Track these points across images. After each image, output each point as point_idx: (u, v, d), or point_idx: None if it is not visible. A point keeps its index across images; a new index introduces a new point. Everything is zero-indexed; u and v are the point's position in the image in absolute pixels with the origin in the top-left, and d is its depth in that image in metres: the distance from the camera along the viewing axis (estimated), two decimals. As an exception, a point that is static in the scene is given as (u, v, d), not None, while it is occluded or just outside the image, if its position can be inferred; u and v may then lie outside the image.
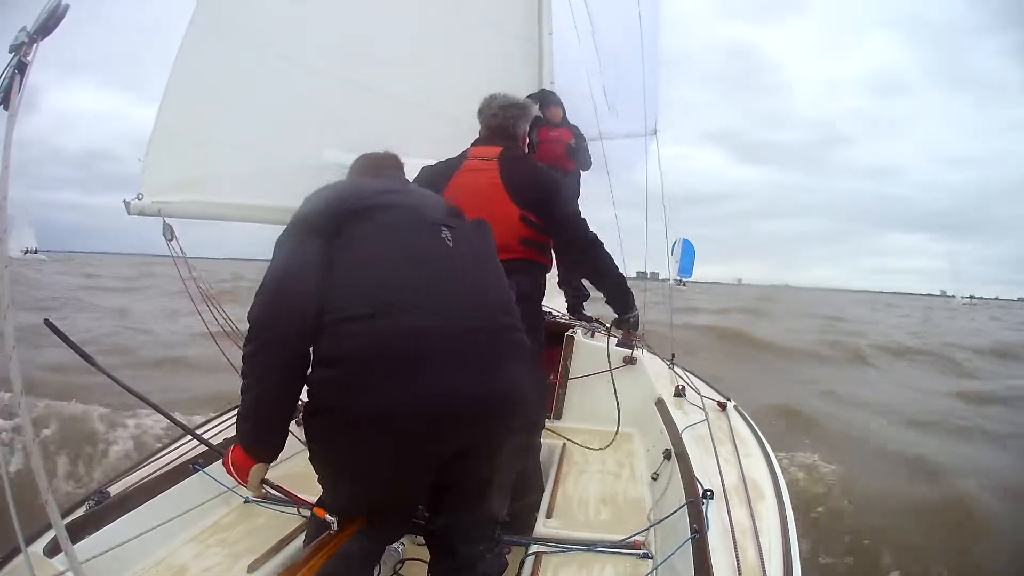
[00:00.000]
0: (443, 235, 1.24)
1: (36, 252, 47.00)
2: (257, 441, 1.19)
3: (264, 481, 1.25)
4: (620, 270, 2.10)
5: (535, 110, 2.09)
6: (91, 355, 1.56)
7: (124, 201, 2.34)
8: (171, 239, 2.39)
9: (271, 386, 1.13)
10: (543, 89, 3.48)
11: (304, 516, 1.76)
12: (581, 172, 3.78)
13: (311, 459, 1.22)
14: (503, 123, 1.95)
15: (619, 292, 2.06)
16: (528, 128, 2.04)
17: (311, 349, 1.13)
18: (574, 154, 3.60)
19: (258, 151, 2.59)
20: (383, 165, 1.49)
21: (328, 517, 1.19)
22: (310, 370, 1.13)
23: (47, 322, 1.53)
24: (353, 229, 1.18)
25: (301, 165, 2.53)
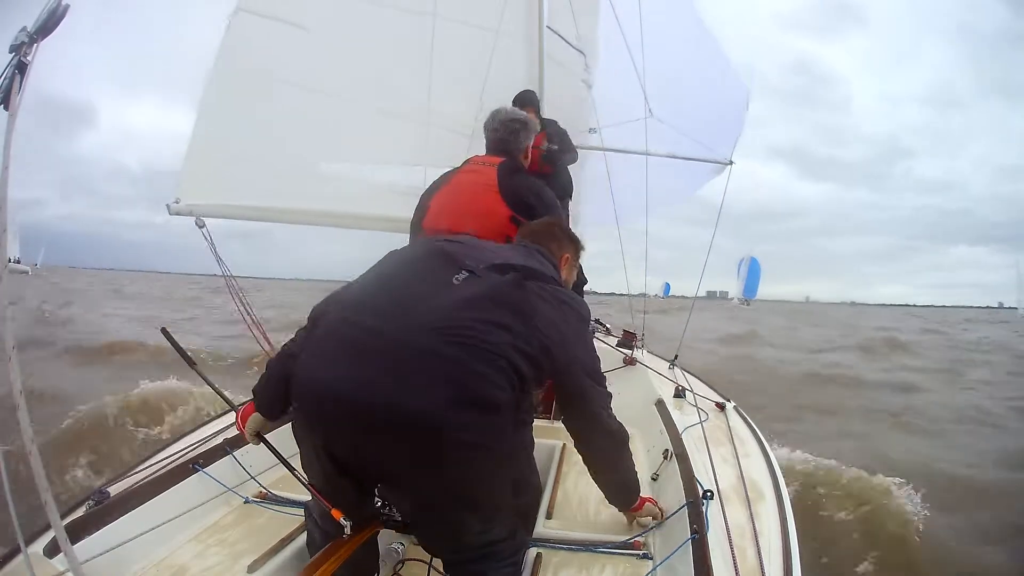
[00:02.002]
0: (457, 276, 1.24)
1: (19, 262, 41.53)
2: (258, 391, 1.35)
3: (259, 435, 1.40)
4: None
5: (537, 126, 2.13)
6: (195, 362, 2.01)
7: (166, 204, 2.81)
8: (202, 227, 2.79)
9: (280, 354, 1.32)
10: (525, 90, 3.47)
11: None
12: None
13: None
14: (504, 137, 2.01)
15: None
16: (528, 141, 2.07)
17: None
18: (550, 158, 3.53)
19: (272, 163, 3.03)
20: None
21: (342, 520, 1.21)
22: None
23: (164, 331, 2.00)
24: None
25: (305, 174, 3.07)
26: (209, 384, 2.03)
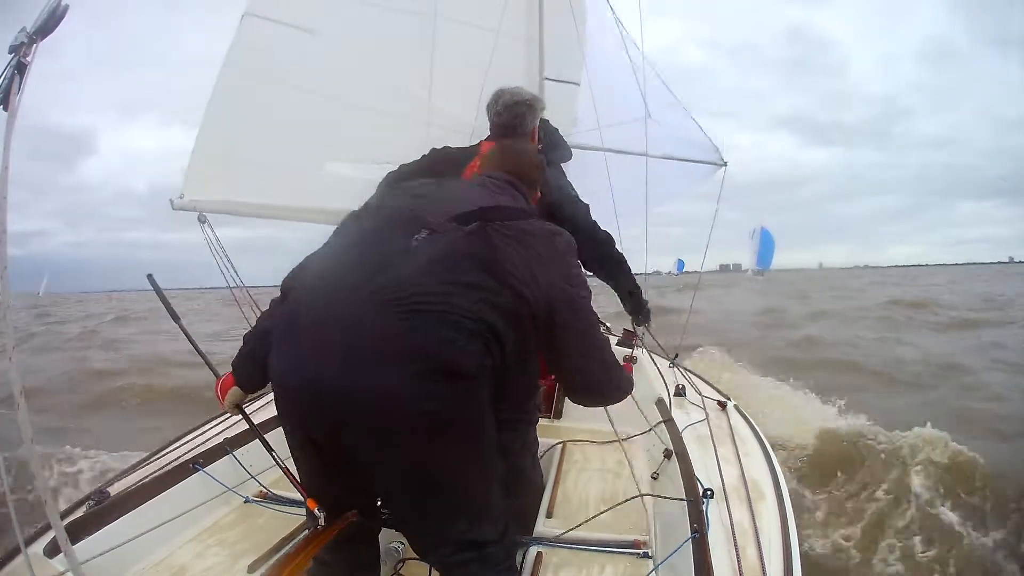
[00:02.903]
0: (417, 235, 1.15)
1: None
2: (239, 365, 1.32)
3: (238, 407, 1.39)
4: (628, 268, 2.12)
5: (542, 104, 2.04)
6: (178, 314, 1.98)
7: (170, 200, 2.82)
8: (204, 222, 2.82)
9: (255, 330, 1.32)
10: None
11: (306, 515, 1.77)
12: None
13: None
14: (509, 121, 1.93)
15: (624, 281, 2.09)
16: (535, 121, 2.00)
17: None
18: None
19: (275, 161, 3.08)
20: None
21: (316, 511, 1.21)
22: None
23: (149, 277, 1.99)
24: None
25: (308, 171, 3.14)
26: (193, 345, 1.96)
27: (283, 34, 3.02)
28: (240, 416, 1.44)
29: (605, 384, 1.28)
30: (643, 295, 2.25)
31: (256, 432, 1.47)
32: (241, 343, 1.32)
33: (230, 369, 1.35)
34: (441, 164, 1.91)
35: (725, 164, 4.29)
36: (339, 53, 3.12)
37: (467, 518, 1.18)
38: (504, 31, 3.39)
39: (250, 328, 1.33)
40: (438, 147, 2.03)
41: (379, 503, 1.36)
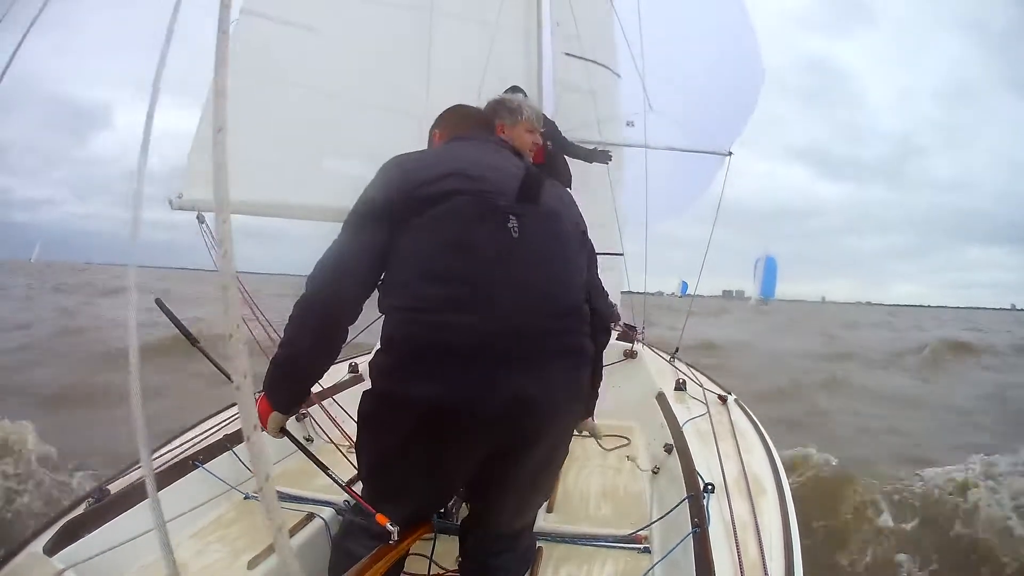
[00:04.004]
0: (510, 224, 1.15)
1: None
2: (275, 391, 1.26)
3: (283, 430, 1.33)
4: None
5: (519, 106, 1.99)
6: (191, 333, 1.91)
7: (168, 199, 2.81)
8: (203, 223, 2.79)
9: (297, 351, 1.20)
10: (513, 86, 3.44)
11: (314, 513, 1.76)
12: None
13: (357, 450, 1.27)
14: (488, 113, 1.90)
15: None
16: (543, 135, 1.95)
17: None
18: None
19: (273, 158, 3.06)
20: (469, 124, 1.44)
21: (389, 526, 1.17)
22: (374, 356, 1.17)
23: (158, 301, 1.90)
24: (413, 218, 1.15)
25: (306, 169, 3.13)
26: (214, 364, 1.92)
27: (281, 31, 3.01)
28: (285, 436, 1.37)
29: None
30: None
31: (305, 451, 1.43)
32: (271, 367, 1.25)
33: (261, 390, 1.28)
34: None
35: (730, 154, 4.17)
36: (337, 50, 3.11)
37: (534, 506, 1.36)
38: (502, 26, 3.37)
39: (278, 350, 1.23)
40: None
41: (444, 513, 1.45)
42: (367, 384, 1.18)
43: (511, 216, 1.15)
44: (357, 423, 1.24)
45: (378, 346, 1.15)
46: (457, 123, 1.45)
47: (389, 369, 1.13)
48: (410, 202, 1.15)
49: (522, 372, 1.09)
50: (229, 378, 1.96)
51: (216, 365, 1.91)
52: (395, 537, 1.17)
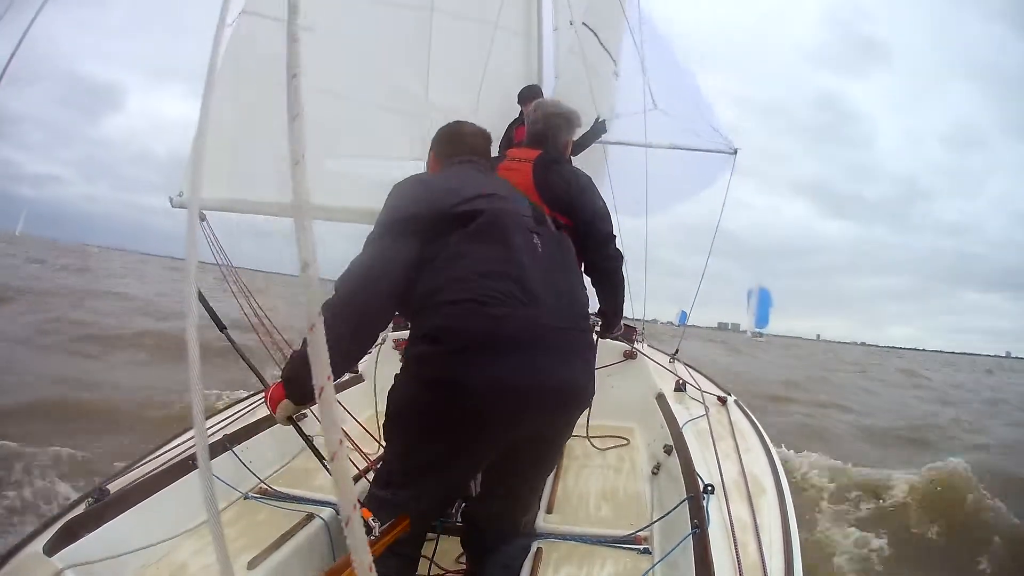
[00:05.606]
0: (534, 240, 1.37)
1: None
2: (293, 384, 1.35)
3: (290, 419, 1.44)
4: (623, 292, 2.00)
5: (579, 120, 2.04)
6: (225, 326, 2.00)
7: (169, 197, 2.88)
8: (203, 220, 2.80)
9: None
10: (530, 85, 3.45)
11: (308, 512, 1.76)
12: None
13: (386, 435, 1.37)
14: (543, 130, 1.94)
15: (612, 308, 2.01)
16: (569, 135, 2.01)
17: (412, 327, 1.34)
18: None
19: (274, 158, 2.90)
20: (468, 150, 1.58)
21: (370, 521, 1.22)
22: (413, 347, 1.29)
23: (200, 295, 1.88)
24: (452, 233, 1.30)
25: (307, 169, 3.01)
26: (241, 355, 2.02)
27: (280, 31, 3.03)
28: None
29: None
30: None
31: (309, 445, 1.48)
32: (291, 360, 1.38)
33: (278, 379, 1.40)
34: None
35: (735, 151, 4.14)
36: (337, 49, 3.10)
37: (537, 501, 1.60)
38: (502, 25, 3.37)
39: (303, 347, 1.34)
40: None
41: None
42: (368, 384, 1.21)
43: (533, 233, 1.37)
44: (391, 409, 1.32)
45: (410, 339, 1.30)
46: (457, 145, 1.60)
47: (443, 356, 1.22)
48: (447, 218, 1.30)
49: (564, 362, 1.28)
50: (259, 376, 2.02)
51: (247, 362, 2.02)
52: (376, 533, 1.23)
